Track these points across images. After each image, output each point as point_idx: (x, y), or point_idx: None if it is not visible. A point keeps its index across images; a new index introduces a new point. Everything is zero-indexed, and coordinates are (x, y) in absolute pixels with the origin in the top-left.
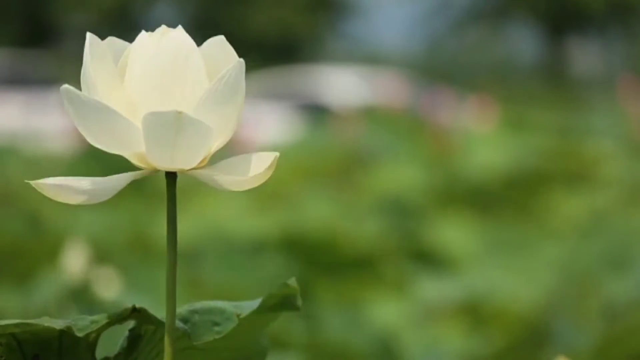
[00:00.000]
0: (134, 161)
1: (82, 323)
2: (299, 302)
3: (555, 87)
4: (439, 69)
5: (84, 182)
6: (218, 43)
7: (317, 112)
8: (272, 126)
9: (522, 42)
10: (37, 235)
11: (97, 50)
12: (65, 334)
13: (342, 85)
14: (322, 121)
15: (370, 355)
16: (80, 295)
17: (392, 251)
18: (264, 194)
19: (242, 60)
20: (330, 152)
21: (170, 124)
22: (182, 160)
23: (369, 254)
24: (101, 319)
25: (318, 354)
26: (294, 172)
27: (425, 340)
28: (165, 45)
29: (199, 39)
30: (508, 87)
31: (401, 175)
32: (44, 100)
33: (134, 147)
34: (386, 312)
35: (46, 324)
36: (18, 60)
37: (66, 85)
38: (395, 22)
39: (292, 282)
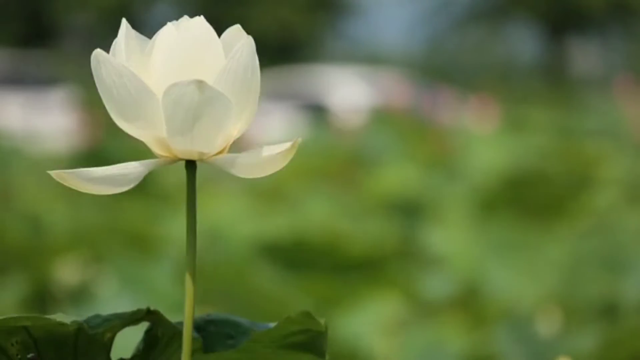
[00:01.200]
0: (154, 148)
1: (94, 321)
2: (325, 346)
3: (556, 87)
4: (439, 69)
5: (105, 171)
6: (235, 32)
7: (317, 112)
8: (273, 126)
9: (522, 42)
10: (38, 235)
11: (129, 37)
12: (81, 334)
13: (342, 85)
14: (323, 121)
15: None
16: (80, 295)
17: (394, 251)
18: (265, 194)
19: (250, 37)
20: (330, 152)
21: (191, 94)
22: (203, 140)
23: (370, 254)
24: (113, 317)
25: None
26: (294, 172)
27: (426, 339)
28: (186, 32)
29: None
30: (508, 87)
31: (402, 175)
32: (44, 100)
33: (155, 127)
34: (386, 311)
35: (59, 320)
36: (18, 60)
37: (99, 50)
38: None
39: (322, 321)
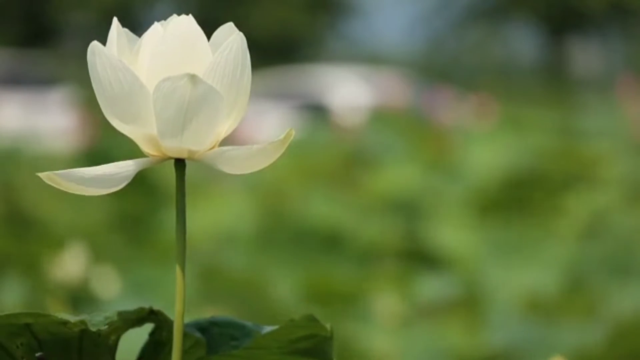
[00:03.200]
0: (144, 147)
1: (96, 319)
2: (332, 351)
3: (555, 87)
4: (439, 68)
5: (94, 172)
6: (227, 30)
7: (317, 112)
8: (272, 126)
9: (522, 42)
10: (38, 234)
11: (120, 35)
12: (86, 335)
13: (342, 85)
14: (323, 121)
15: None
16: (79, 294)
17: (393, 250)
18: (265, 194)
19: (241, 34)
20: (330, 152)
21: (183, 89)
22: (193, 137)
23: (370, 254)
24: (114, 315)
25: None
26: (294, 172)
27: (426, 338)
28: (174, 29)
29: None
30: (508, 87)
31: (401, 174)
32: (44, 100)
33: (146, 124)
34: (386, 311)
35: (61, 318)
36: (18, 60)
37: (95, 42)
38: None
39: (327, 327)
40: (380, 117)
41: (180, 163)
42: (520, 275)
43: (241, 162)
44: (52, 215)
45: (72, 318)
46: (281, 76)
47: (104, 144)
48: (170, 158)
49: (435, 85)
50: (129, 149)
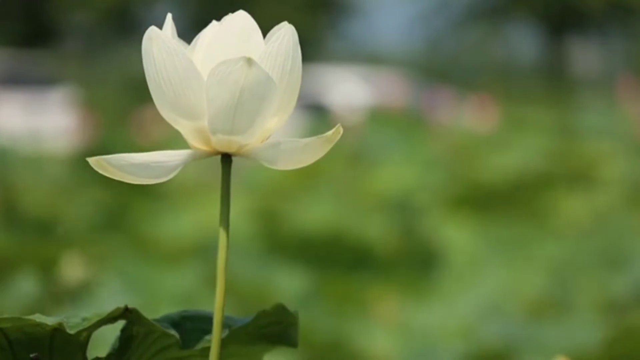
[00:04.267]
0: (192, 140)
1: (73, 320)
2: (297, 336)
3: (556, 86)
4: (438, 68)
5: (142, 158)
6: (280, 27)
7: (317, 112)
8: None
9: (522, 42)
10: (38, 234)
11: (174, 32)
12: (57, 333)
13: (342, 85)
14: (323, 121)
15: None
16: (81, 294)
17: (394, 250)
18: (266, 194)
19: (292, 27)
20: (330, 152)
21: (238, 72)
22: (244, 128)
23: (371, 254)
24: (93, 317)
25: (313, 353)
26: (294, 172)
27: (426, 338)
28: (229, 24)
29: None
30: (508, 87)
31: (402, 174)
32: (44, 100)
33: (197, 115)
34: (387, 311)
35: (38, 320)
36: (18, 60)
37: (153, 27)
38: (394, 21)
39: (294, 312)
40: (379, 117)
41: (227, 159)
42: (519, 274)
43: (288, 157)
44: (52, 215)
45: (49, 320)
46: None
47: (104, 144)
48: (218, 153)
49: (435, 85)
50: (129, 149)
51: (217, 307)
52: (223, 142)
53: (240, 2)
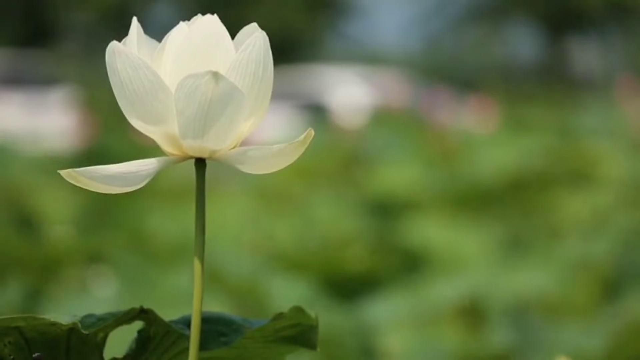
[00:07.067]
0: (165, 146)
1: (88, 320)
2: (316, 339)
3: (555, 87)
4: (438, 68)
5: (116, 169)
6: (250, 30)
7: (317, 112)
8: (272, 126)
9: (522, 42)
10: (38, 235)
11: (140, 34)
12: (74, 334)
13: (342, 85)
14: (323, 121)
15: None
16: (80, 295)
17: (393, 250)
18: (266, 194)
19: (264, 32)
20: (330, 152)
21: (205, 86)
22: (214, 136)
23: (370, 253)
24: (107, 317)
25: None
26: (294, 172)
27: (427, 338)
28: (197, 29)
29: None
30: (508, 87)
31: (401, 175)
32: (44, 100)
33: (167, 123)
34: (387, 311)
35: (52, 320)
36: (18, 60)
37: (115, 42)
38: (394, 22)
39: (313, 315)
40: (379, 117)
41: (200, 163)
42: (521, 275)
43: (261, 162)
44: (52, 215)
45: (64, 320)
46: (281, 76)
47: (103, 144)
48: (191, 157)
49: (435, 85)
50: (129, 149)
51: (195, 309)
52: (195, 147)
53: (240, 2)
